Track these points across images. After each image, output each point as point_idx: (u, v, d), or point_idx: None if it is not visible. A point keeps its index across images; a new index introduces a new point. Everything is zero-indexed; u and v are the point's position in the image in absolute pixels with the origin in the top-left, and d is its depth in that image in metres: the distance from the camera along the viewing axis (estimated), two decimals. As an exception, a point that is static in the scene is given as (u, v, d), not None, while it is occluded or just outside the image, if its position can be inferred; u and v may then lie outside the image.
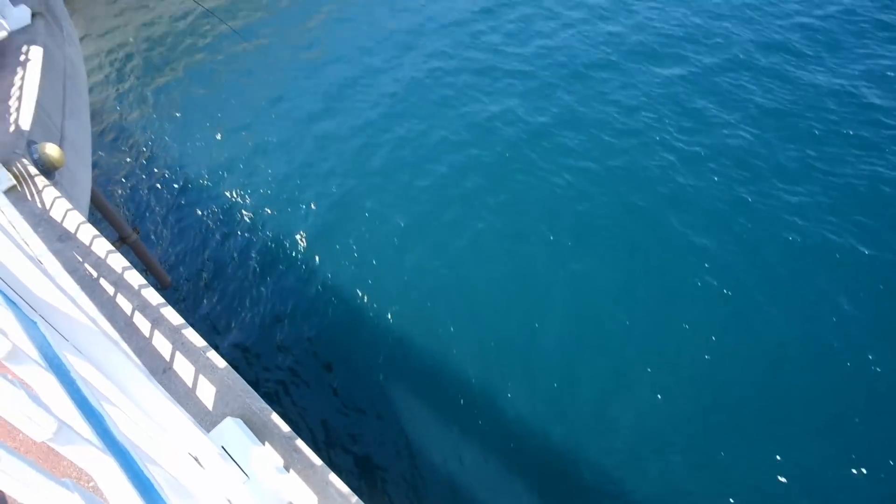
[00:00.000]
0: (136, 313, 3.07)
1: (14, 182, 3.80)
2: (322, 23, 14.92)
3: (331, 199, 9.63)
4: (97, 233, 3.50)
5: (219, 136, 11.65)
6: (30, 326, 1.29)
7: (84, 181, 4.57)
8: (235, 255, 9.17)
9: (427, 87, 11.71)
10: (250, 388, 2.60)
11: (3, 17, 4.96)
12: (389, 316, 7.68)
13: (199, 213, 10.10)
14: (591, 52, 11.64)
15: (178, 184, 10.83)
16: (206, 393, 2.58)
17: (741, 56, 10.83)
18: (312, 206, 9.58)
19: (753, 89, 9.97)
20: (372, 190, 9.56)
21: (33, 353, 1.18)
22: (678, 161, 8.86)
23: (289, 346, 7.78)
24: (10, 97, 4.53)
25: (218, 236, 9.58)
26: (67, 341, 1.58)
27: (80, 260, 3.29)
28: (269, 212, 9.69)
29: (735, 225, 7.79)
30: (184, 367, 2.70)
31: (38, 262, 1.86)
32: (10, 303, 1.33)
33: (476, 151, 9.84)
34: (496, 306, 7.47)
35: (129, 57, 15.87)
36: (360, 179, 9.82)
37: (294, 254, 8.92)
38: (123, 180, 11.47)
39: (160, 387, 1.88)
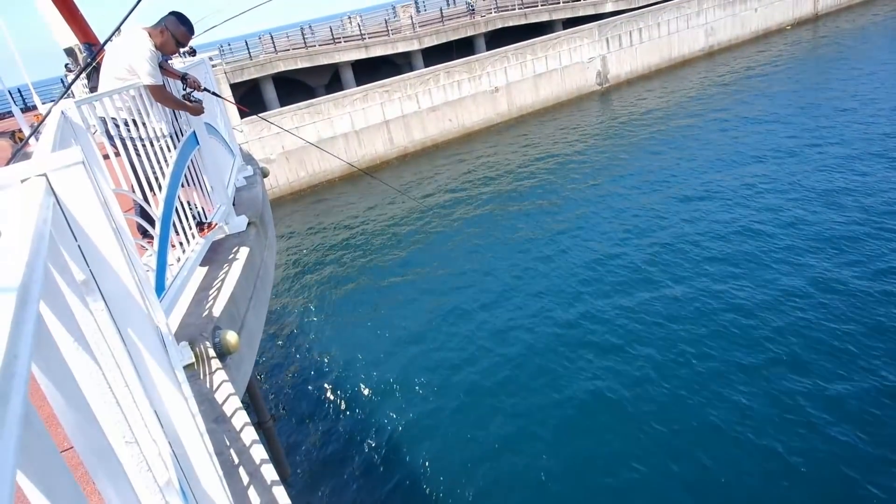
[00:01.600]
0: (263, 510, 3.05)
1: (193, 360, 4.22)
2: (475, 253, 16.17)
3: (483, 444, 9.15)
4: (248, 420, 3.69)
5: (373, 349, 12.28)
6: (192, 514, 1.31)
7: (247, 368, 4.97)
8: (366, 474, 8.90)
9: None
10: None
11: (227, 223, 6.00)
12: None
13: (337, 418, 10.33)
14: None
15: (320, 383, 11.38)
16: None
17: None
18: (467, 443, 9.06)
19: None
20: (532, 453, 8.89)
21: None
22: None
23: None
24: (211, 287, 5.26)
25: (352, 446, 9.52)
26: (212, 534, 1.57)
27: (228, 444, 3.43)
28: (419, 436, 9.38)
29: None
30: (295, 583, 2.55)
31: (203, 444, 1.96)
32: (182, 491, 1.38)
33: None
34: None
35: (303, 261, 18.13)
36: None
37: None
38: (273, 368, 12.33)
39: None
